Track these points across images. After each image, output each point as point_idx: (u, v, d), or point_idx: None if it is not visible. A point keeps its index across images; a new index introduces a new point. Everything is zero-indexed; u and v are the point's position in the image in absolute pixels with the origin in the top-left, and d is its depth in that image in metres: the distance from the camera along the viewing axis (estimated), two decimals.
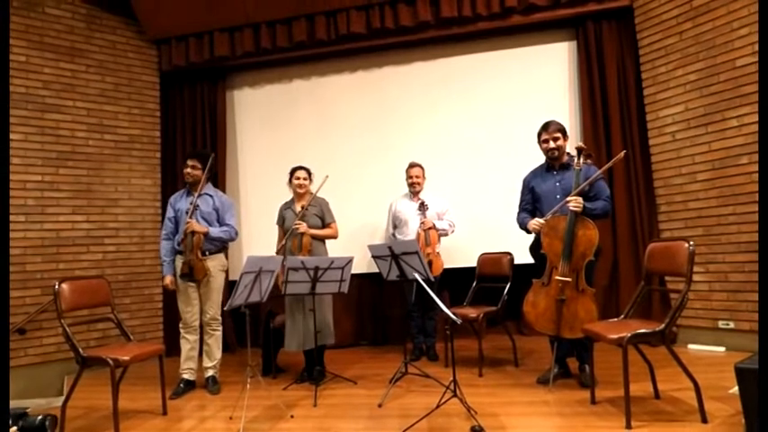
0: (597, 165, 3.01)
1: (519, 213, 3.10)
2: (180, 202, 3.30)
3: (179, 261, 3.19)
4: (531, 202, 3.05)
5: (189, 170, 3.24)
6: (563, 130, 2.94)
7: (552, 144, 2.91)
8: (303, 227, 3.26)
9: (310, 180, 3.44)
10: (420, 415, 2.39)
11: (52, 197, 4.03)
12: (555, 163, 2.96)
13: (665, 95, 3.81)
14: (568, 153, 2.96)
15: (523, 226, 3.02)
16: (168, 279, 3.23)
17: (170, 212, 3.31)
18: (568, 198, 2.73)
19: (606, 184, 2.94)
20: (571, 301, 2.72)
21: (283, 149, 4.58)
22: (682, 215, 3.73)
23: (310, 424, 2.54)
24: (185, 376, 3.20)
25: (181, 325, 3.24)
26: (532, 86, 4.29)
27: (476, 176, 4.33)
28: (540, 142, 2.99)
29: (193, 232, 3.10)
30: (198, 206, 3.19)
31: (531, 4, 4.03)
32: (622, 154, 2.99)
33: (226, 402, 2.93)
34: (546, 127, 2.95)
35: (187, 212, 3.15)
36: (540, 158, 3.08)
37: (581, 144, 2.86)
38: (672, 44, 3.76)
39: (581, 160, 2.80)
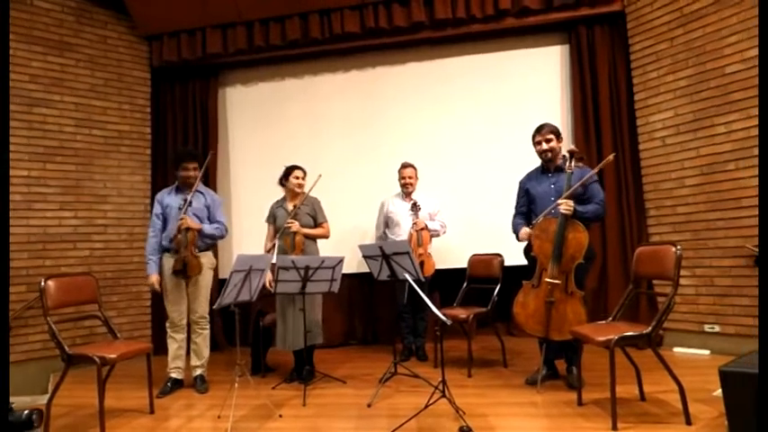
0: (589, 167, 3.03)
1: (514, 217, 3.12)
2: (168, 198, 3.26)
3: (165, 259, 3.16)
4: (527, 204, 3.06)
5: (191, 173, 3.20)
6: (556, 132, 2.96)
7: (545, 146, 2.93)
8: (296, 226, 3.25)
9: None
10: (409, 415, 2.40)
11: (39, 193, 3.96)
12: (549, 165, 2.99)
13: (656, 101, 3.85)
14: (563, 156, 2.98)
15: (516, 232, 3.04)
16: (154, 278, 3.16)
17: (157, 209, 3.26)
18: (559, 201, 2.75)
19: (600, 187, 2.96)
20: (560, 303, 2.74)
21: (275, 148, 4.55)
22: (670, 219, 3.78)
23: (299, 423, 2.53)
24: (173, 375, 3.18)
25: (168, 324, 3.21)
26: (525, 89, 4.31)
27: (468, 178, 4.34)
28: (534, 144, 3.01)
29: (188, 228, 3.07)
30: (191, 203, 3.17)
31: (525, 8, 4.06)
32: (611, 157, 3.01)
33: (214, 401, 2.91)
34: (540, 129, 2.98)
35: (180, 209, 3.12)
36: (532, 161, 3.10)
37: (573, 147, 2.89)
38: (663, 50, 3.80)
39: (572, 163, 2.82)
